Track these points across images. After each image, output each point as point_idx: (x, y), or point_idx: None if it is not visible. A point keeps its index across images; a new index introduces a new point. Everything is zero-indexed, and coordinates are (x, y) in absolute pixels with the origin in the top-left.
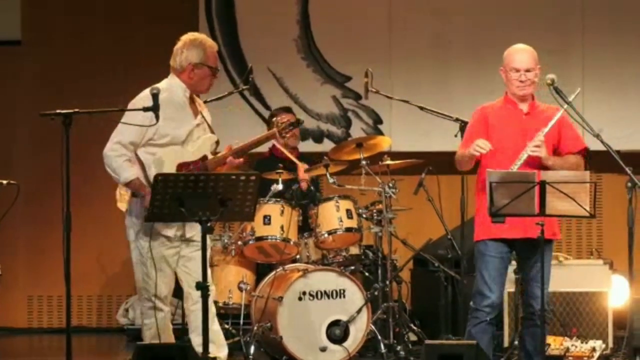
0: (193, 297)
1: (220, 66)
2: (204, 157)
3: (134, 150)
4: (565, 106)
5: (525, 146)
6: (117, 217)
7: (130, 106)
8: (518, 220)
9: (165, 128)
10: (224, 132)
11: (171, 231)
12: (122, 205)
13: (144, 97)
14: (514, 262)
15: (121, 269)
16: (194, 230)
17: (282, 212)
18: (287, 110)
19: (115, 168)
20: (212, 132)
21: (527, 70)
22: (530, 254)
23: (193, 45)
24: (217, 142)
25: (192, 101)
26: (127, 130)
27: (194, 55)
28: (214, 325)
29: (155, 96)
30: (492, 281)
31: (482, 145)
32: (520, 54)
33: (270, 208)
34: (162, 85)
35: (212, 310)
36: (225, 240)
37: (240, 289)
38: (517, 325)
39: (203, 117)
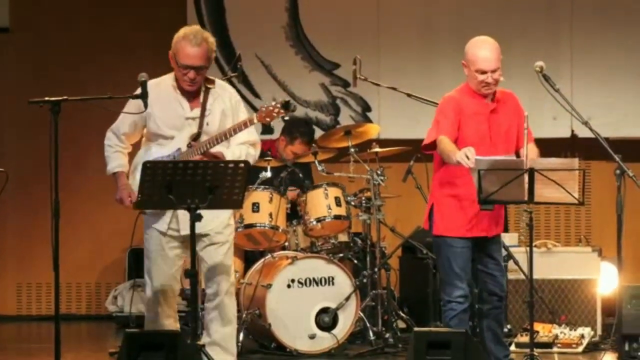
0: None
1: None
2: (177, 150)
3: (129, 140)
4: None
5: (490, 142)
6: (106, 204)
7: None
8: (480, 220)
9: (149, 123)
10: None
11: (164, 226)
12: None
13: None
14: None
15: (110, 257)
16: (209, 225)
17: (271, 199)
18: (308, 129)
19: (106, 157)
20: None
21: (494, 71)
22: (490, 246)
23: (176, 36)
24: (197, 135)
25: (193, 94)
26: (120, 120)
27: (172, 46)
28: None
29: (143, 84)
30: (461, 271)
31: (470, 159)
32: (486, 53)
33: (259, 195)
34: (157, 79)
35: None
36: None
37: None
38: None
39: (204, 109)
